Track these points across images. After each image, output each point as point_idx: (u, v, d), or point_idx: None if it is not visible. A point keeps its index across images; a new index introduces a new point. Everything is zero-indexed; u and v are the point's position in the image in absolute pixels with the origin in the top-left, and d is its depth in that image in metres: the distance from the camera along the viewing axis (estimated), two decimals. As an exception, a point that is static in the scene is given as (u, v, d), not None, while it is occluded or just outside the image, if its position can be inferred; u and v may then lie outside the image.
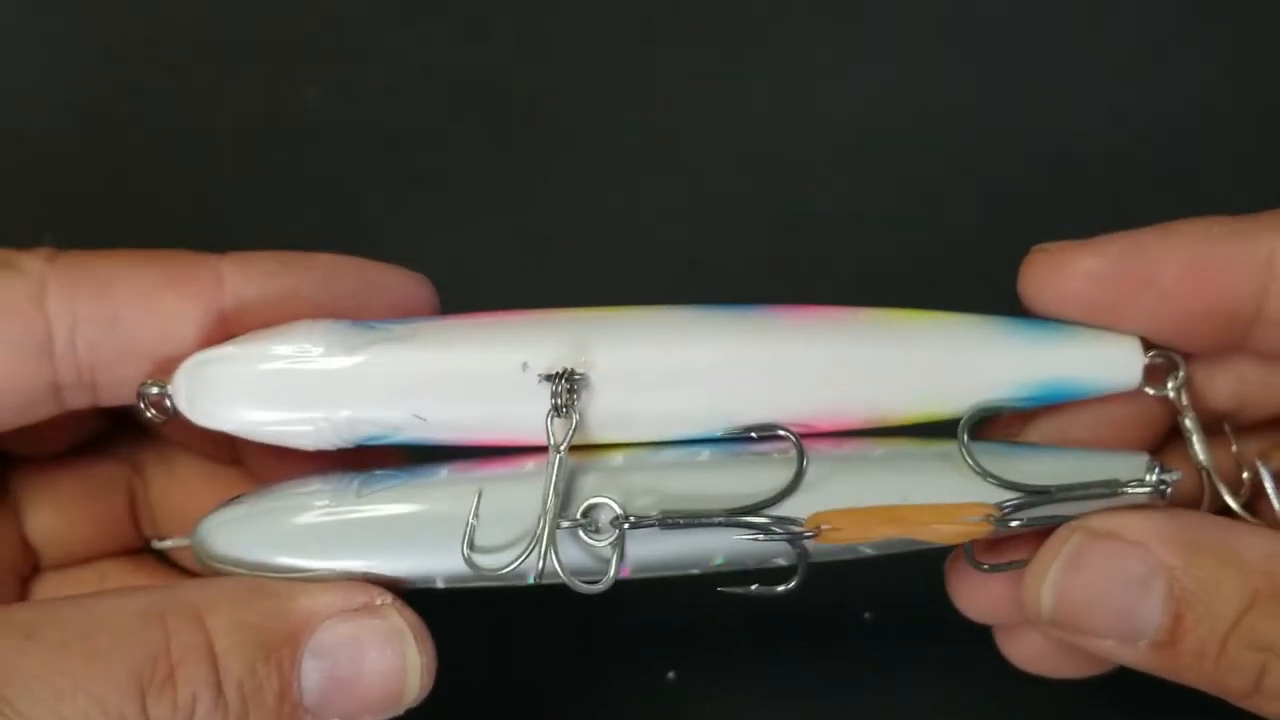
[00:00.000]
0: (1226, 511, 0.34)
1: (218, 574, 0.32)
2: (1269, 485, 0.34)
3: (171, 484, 0.38)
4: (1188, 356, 0.34)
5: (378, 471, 0.33)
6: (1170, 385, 0.34)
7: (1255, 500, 0.35)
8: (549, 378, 0.32)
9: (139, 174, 0.53)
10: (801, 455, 0.32)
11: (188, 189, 0.52)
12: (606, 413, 0.32)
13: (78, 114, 0.54)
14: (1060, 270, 0.33)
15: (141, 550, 0.38)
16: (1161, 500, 0.33)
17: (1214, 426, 0.35)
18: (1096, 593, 0.31)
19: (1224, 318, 0.32)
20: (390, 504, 0.32)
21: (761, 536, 0.32)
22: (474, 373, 0.32)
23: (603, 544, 0.32)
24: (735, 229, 0.52)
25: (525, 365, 0.32)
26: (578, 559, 0.32)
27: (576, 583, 0.32)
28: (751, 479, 0.32)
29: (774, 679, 0.44)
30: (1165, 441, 0.36)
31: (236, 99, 0.54)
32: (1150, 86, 0.54)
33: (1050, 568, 0.31)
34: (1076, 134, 0.53)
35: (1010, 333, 0.33)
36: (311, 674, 0.30)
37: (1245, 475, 0.35)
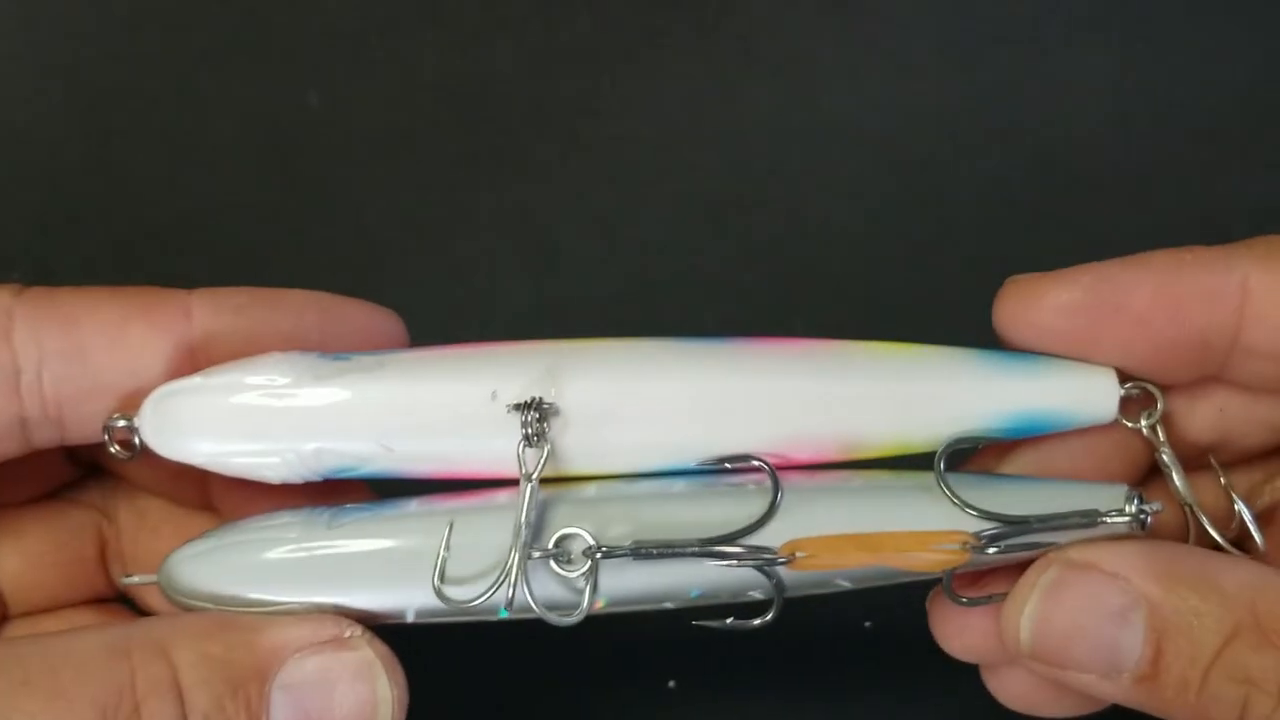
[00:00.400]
0: (1214, 547, 0.34)
1: (186, 610, 0.32)
2: (1246, 517, 0.34)
3: (142, 531, 0.37)
4: (1166, 388, 0.33)
5: (348, 506, 0.33)
6: (1144, 420, 0.33)
7: (1244, 537, 0.35)
8: (518, 407, 0.31)
9: (139, 176, 0.53)
10: (776, 485, 0.32)
11: (188, 192, 0.52)
12: (578, 443, 0.32)
13: (78, 116, 0.54)
14: (1032, 302, 0.33)
15: (111, 599, 0.38)
16: (1142, 531, 0.32)
17: (1200, 460, 0.35)
18: (1075, 625, 0.30)
19: (1198, 346, 0.32)
20: (360, 537, 0.32)
21: (735, 564, 0.31)
22: (442, 403, 0.32)
23: (575, 575, 0.31)
24: (735, 232, 0.52)
25: (494, 395, 0.32)
26: (551, 591, 0.32)
27: (549, 615, 0.32)
28: (726, 509, 0.32)
29: (774, 687, 0.44)
30: (1149, 475, 0.35)
31: (237, 102, 0.54)
32: (1151, 87, 0.54)
33: (1029, 599, 0.31)
34: (1077, 136, 0.53)
35: (986, 364, 0.33)
36: (280, 709, 0.30)
37: (1237, 509, 0.34)
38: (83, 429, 0.33)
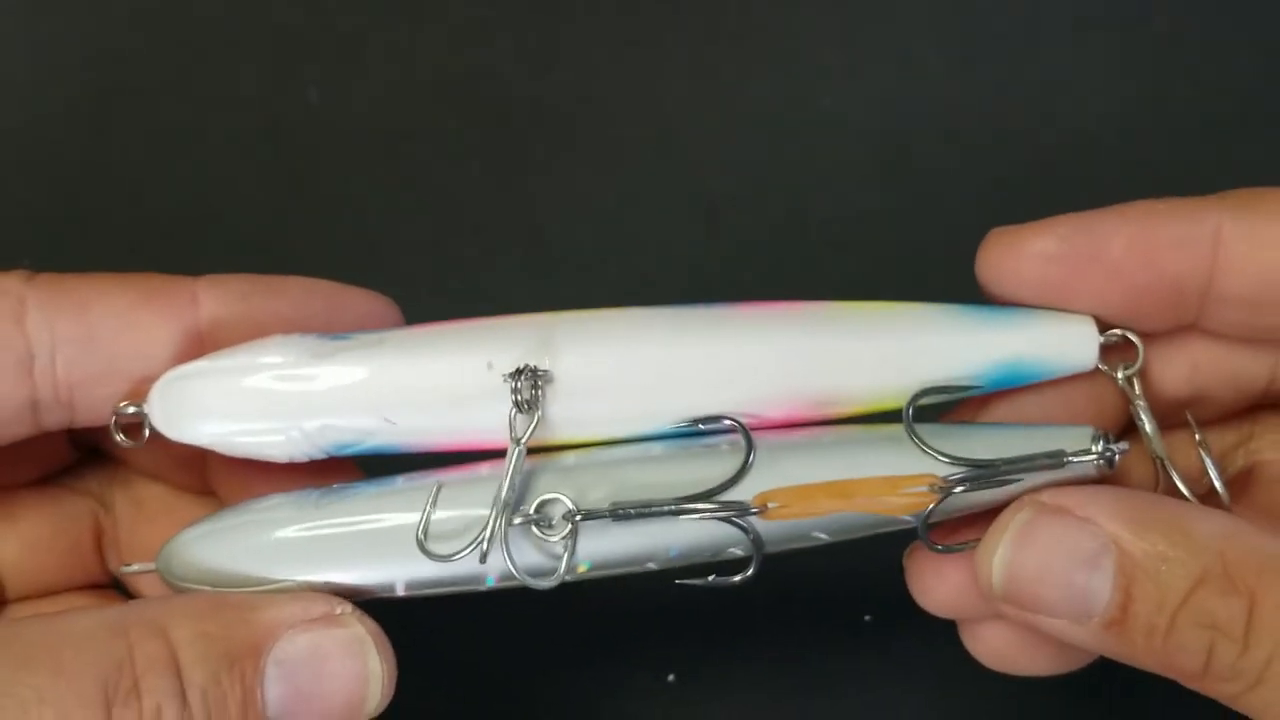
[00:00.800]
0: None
1: (183, 593, 0.33)
2: (1211, 471, 0.34)
3: (139, 518, 0.38)
4: (1144, 337, 0.34)
5: (336, 486, 0.33)
6: (1122, 371, 0.34)
7: (1213, 495, 0.35)
8: (513, 375, 0.32)
9: (139, 174, 0.53)
10: (749, 443, 0.32)
11: (187, 189, 0.52)
12: (566, 410, 0.33)
13: (77, 114, 0.54)
14: (1013, 251, 0.33)
15: (106, 585, 0.38)
16: (1110, 470, 0.33)
17: (1174, 419, 0.35)
18: (1046, 567, 0.31)
19: (1172, 293, 0.33)
20: (348, 515, 0.33)
21: (711, 518, 0.32)
22: (441, 375, 0.32)
23: (555, 540, 0.32)
24: (736, 230, 0.52)
25: (490, 365, 0.32)
26: (533, 558, 0.32)
27: (529, 580, 0.32)
28: (702, 469, 0.32)
29: (774, 681, 0.44)
30: (1125, 432, 0.35)
31: (236, 99, 0.54)
32: (1151, 87, 0.54)
33: (1000, 542, 0.31)
34: (1076, 136, 0.53)
35: (964, 317, 0.34)
36: (274, 684, 0.30)
37: (1206, 464, 0.34)
38: (92, 412, 0.33)
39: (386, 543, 0.32)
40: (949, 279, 0.50)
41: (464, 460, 0.33)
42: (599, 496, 0.32)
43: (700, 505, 0.32)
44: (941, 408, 0.35)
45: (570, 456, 0.33)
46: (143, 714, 0.29)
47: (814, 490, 0.32)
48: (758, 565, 0.33)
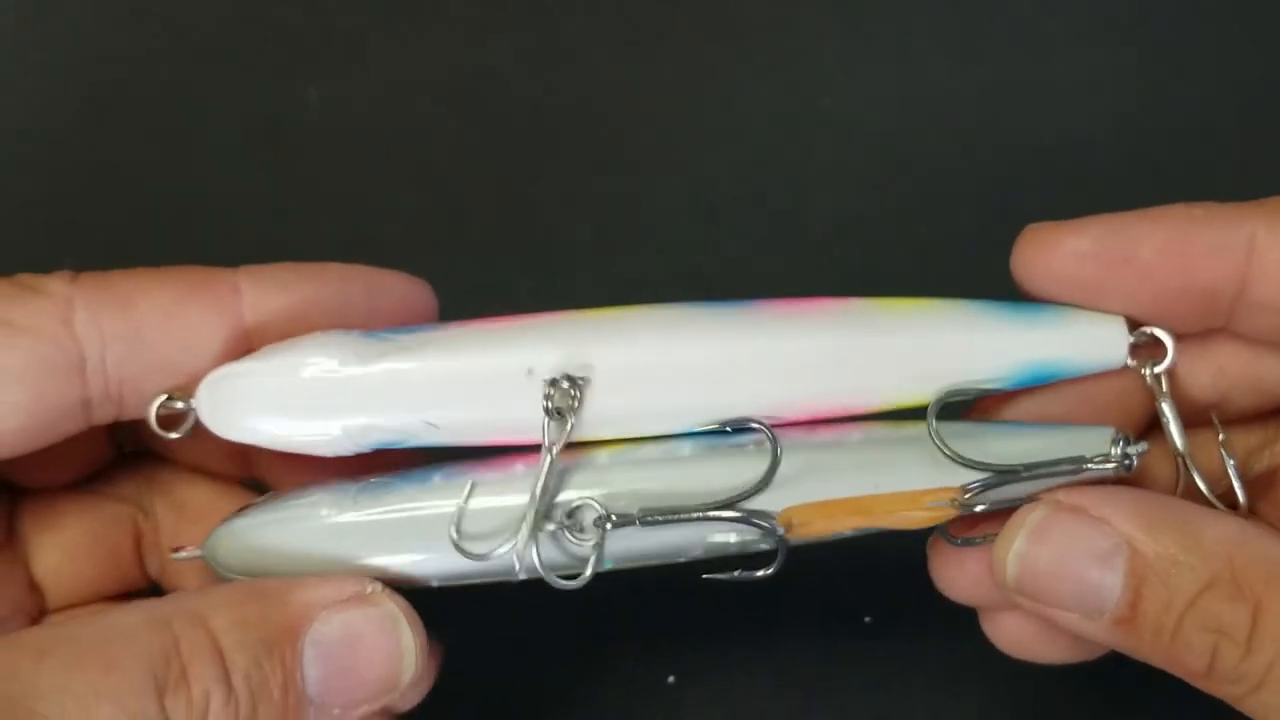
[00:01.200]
0: (1204, 502, 0.34)
1: (219, 583, 0.33)
2: (1232, 472, 0.35)
3: (181, 521, 0.39)
4: (1173, 338, 0.34)
5: (374, 480, 0.34)
6: (1149, 370, 0.34)
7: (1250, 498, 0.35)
8: (550, 383, 0.33)
9: (139, 175, 0.53)
10: (775, 448, 0.33)
11: (188, 190, 0.52)
12: (600, 411, 0.33)
13: (78, 114, 0.55)
14: (1048, 248, 0.34)
15: (144, 591, 0.39)
16: (1127, 474, 0.33)
17: (1198, 419, 0.36)
18: (1059, 564, 0.32)
19: (1204, 298, 0.33)
20: (385, 508, 0.33)
21: (735, 536, 0.33)
22: (482, 380, 0.33)
23: (586, 545, 0.33)
24: (737, 230, 0.52)
25: (530, 371, 0.33)
26: (559, 556, 0.33)
27: (554, 579, 0.33)
28: (730, 471, 0.33)
29: (774, 682, 0.44)
30: (1146, 431, 0.36)
31: (237, 100, 0.54)
32: (1151, 87, 0.54)
33: (1016, 538, 0.32)
34: (1077, 136, 0.54)
35: (996, 315, 0.34)
36: (312, 664, 0.31)
37: (1231, 465, 0.35)
38: (140, 407, 0.34)
39: (423, 537, 0.33)
40: (949, 279, 0.50)
41: (500, 454, 0.34)
42: (628, 499, 0.33)
43: (726, 514, 0.33)
44: (964, 402, 0.35)
45: (602, 454, 0.34)
46: (192, 701, 0.30)
47: (836, 508, 0.33)
48: (782, 561, 0.33)
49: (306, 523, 0.33)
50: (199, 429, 0.33)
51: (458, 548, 0.33)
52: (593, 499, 0.33)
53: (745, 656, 0.44)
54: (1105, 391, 0.35)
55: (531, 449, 0.33)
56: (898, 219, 0.53)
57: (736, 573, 0.34)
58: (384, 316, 0.34)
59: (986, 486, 0.33)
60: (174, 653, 0.30)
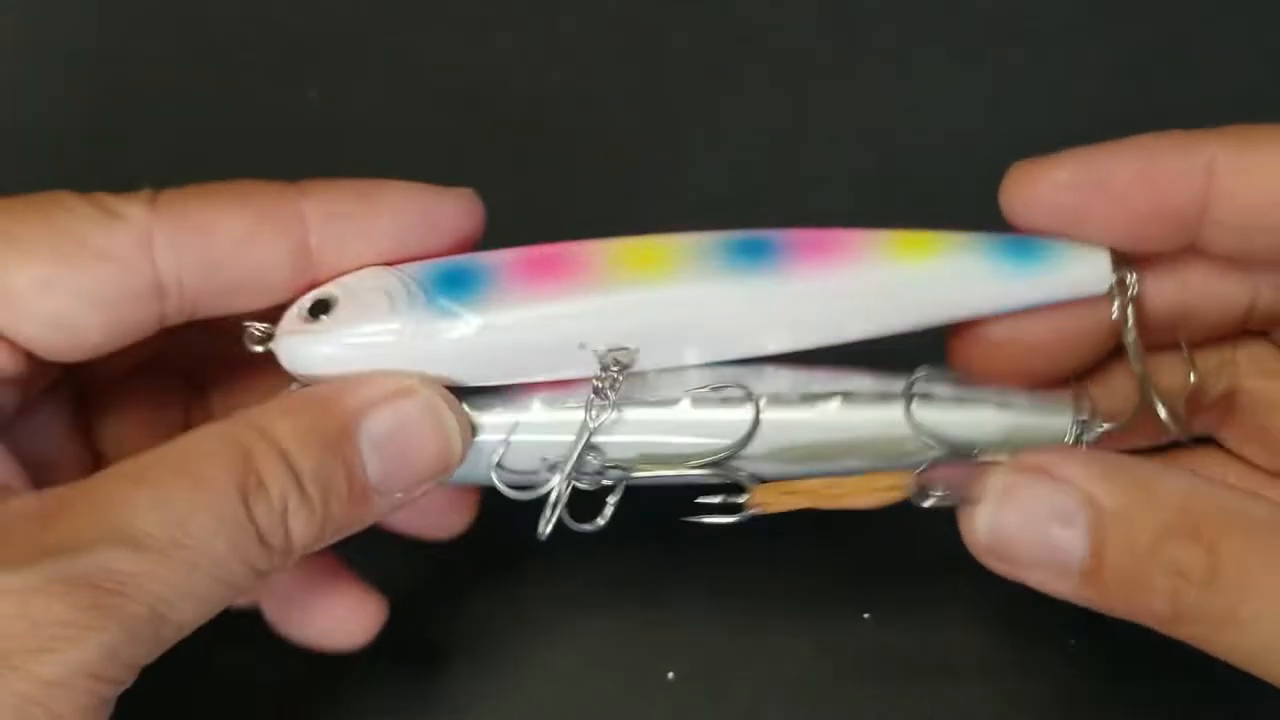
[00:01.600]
0: (1161, 424, 0.38)
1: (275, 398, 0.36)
2: (1161, 410, 0.38)
3: (231, 393, 0.42)
4: (1144, 263, 0.37)
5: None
6: (1116, 303, 0.37)
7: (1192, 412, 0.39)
8: (601, 366, 0.36)
9: (140, 174, 0.53)
10: (756, 416, 0.37)
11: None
12: (639, 377, 0.37)
13: (78, 114, 0.55)
14: (1031, 180, 0.37)
15: None
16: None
17: (1165, 339, 0.39)
18: (1026, 525, 0.33)
19: (1172, 218, 0.36)
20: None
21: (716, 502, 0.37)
22: (538, 349, 0.36)
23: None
24: (737, 229, 0.52)
25: (582, 345, 0.36)
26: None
27: (575, 525, 0.37)
28: (724, 420, 0.37)
29: (774, 679, 0.44)
30: (1109, 356, 0.39)
31: (237, 99, 0.55)
32: (1151, 87, 0.54)
33: (984, 500, 0.34)
34: (1076, 136, 0.53)
35: (998, 259, 0.37)
36: (371, 456, 0.35)
37: (1191, 378, 0.39)
38: (211, 313, 0.37)
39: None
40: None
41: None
42: (626, 448, 0.37)
43: (710, 478, 0.37)
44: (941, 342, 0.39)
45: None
46: (273, 502, 0.33)
47: (799, 497, 0.37)
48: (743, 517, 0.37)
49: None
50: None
51: (494, 484, 0.37)
52: (599, 445, 0.37)
53: (744, 654, 0.44)
54: (1078, 318, 0.38)
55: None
56: (897, 218, 0.52)
57: (716, 501, 0.37)
58: (440, 237, 0.37)
59: (937, 462, 0.37)
60: (249, 461, 0.33)
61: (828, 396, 0.37)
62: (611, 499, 0.37)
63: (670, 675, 0.44)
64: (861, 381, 0.38)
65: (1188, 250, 0.37)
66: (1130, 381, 0.38)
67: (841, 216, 0.52)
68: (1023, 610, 0.44)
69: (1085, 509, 0.32)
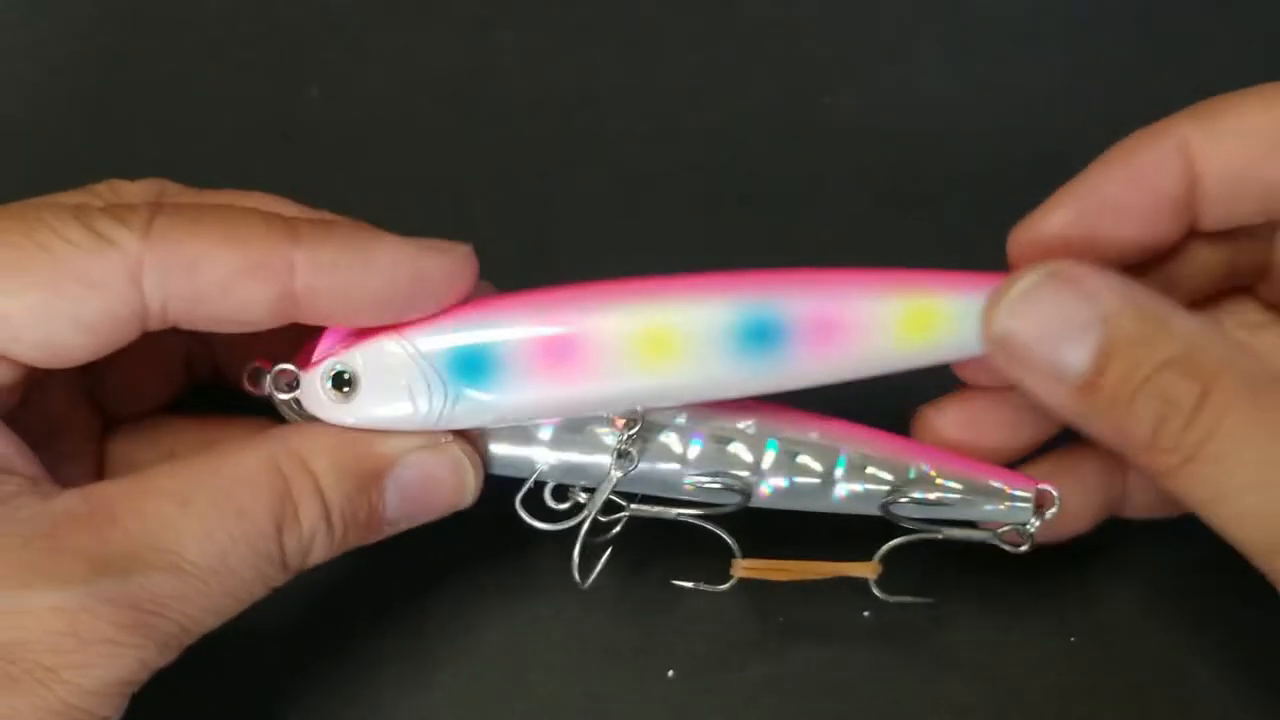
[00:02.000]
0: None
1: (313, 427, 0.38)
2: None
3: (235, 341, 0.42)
4: (1158, 255, 0.39)
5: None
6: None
7: None
8: (624, 434, 0.39)
9: (140, 174, 0.53)
10: (746, 500, 0.40)
11: (189, 186, 0.52)
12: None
13: (77, 113, 0.55)
14: (1036, 234, 0.38)
15: (187, 387, 0.44)
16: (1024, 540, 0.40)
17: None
18: (1042, 325, 0.35)
19: (1167, 204, 0.37)
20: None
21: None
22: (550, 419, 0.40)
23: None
24: (737, 229, 0.52)
25: (607, 419, 0.39)
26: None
27: (583, 574, 0.40)
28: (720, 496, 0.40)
29: (773, 677, 0.44)
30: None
31: (237, 98, 0.55)
32: (1150, 88, 0.54)
33: (1012, 290, 0.35)
34: (1076, 136, 0.53)
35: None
36: (392, 495, 0.38)
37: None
38: (192, 329, 0.38)
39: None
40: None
41: None
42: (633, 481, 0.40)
43: (697, 521, 0.40)
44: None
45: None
46: (302, 536, 0.36)
47: (777, 572, 0.40)
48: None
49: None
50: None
51: (520, 512, 0.39)
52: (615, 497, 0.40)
53: (744, 652, 0.44)
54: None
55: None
56: (897, 218, 0.53)
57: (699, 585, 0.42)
58: (431, 294, 0.38)
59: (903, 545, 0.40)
60: (288, 495, 0.36)
61: (814, 476, 0.40)
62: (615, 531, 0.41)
63: (670, 674, 0.44)
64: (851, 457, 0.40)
65: (1190, 230, 0.38)
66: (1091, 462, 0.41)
67: (843, 216, 0.53)
68: (1023, 608, 0.44)
69: (1100, 325, 0.34)
